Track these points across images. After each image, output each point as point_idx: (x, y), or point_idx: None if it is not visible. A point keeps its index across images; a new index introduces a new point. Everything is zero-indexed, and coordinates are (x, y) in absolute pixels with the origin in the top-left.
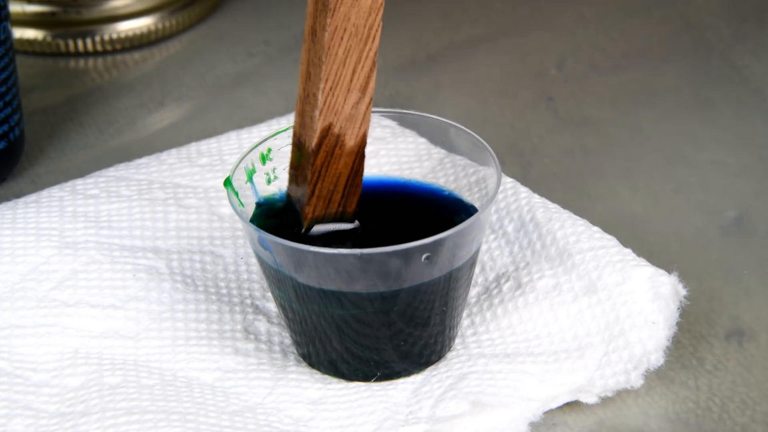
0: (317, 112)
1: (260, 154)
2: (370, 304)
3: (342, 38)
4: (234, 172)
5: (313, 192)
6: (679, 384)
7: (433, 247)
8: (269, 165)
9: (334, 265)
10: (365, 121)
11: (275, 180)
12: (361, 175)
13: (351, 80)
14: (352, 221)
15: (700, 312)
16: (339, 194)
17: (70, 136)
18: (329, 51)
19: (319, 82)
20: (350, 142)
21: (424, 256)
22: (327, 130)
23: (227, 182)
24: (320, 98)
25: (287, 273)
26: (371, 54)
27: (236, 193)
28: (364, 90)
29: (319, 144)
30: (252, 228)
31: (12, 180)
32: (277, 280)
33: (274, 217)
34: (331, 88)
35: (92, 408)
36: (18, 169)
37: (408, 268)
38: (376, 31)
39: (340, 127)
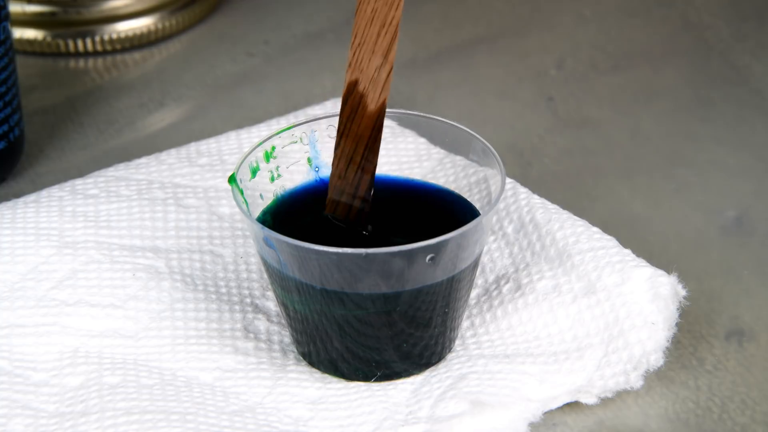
0: (347, 66)
1: (264, 151)
2: (372, 305)
3: None
4: (239, 169)
5: (338, 144)
6: (679, 384)
7: (438, 248)
8: (273, 163)
9: (339, 265)
10: (385, 88)
11: (278, 178)
12: (379, 145)
13: (375, 42)
14: (368, 201)
15: (700, 312)
16: (359, 156)
17: (70, 136)
18: (359, 8)
19: (351, 38)
20: (371, 105)
21: (428, 257)
22: (354, 86)
23: (232, 179)
24: (350, 53)
25: (290, 272)
26: (394, 22)
27: (241, 191)
28: (386, 55)
29: (346, 97)
30: (257, 226)
31: (12, 180)
32: (279, 279)
33: (279, 218)
34: (359, 45)
35: (92, 408)
36: (18, 169)
37: (412, 268)
38: (400, 0)
39: (364, 87)
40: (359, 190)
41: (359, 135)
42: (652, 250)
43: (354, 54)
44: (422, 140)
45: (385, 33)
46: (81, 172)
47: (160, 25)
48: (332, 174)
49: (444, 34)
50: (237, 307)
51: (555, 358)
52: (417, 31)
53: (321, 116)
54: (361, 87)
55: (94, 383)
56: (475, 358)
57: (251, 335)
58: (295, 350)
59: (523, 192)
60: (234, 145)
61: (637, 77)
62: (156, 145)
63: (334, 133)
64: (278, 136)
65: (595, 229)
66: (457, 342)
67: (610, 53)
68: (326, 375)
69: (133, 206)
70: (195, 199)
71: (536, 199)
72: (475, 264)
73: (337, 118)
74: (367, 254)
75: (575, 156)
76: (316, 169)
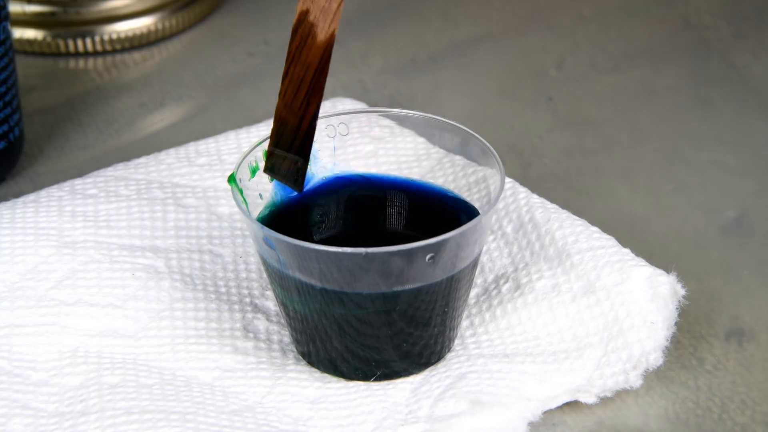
0: None
1: (263, 151)
2: (372, 304)
3: None
4: (238, 168)
5: (287, 73)
6: (679, 384)
7: (438, 248)
8: None
9: (338, 264)
10: (335, 19)
11: None
12: (326, 76)
13: None
14: (312, 128)
15: (700, 312)
16: (306, 85)
17: (70, 136)
18: None
19: None
20: (321, 35)
21: (428, 257)
22: (304, 15)
23: (231, 179)
24: None
25: (290, 271)
26: None
27: (240, 191)
28: None
29: (296, 27)
30: (257, 226)
31: (11, 180)
32: (279, 278)
33: (279, 217)
34: None
35: (91, 407)
36: (18, 169)
37: (411, 268)
38: None
39: (314, 17)
40: (304, 121)
41: (308, 64)
42: (652, 250)
43: None
44: (421, 140)
45: None
46: (80, 172)
47: (160, 25)
48: (277, 106)
49: (444, 34)
50: (236, 307)
51: (554, 358)
52: (417, 31)
53: (320, 116)
54: (311, 17)
55: (93, 383)
56: (474, 357)
57: (251, 335)
58: (295, 350)
59: (523, 192)
60: (233, 145)
61: (637, 77)
62: (156, 145)
63: (334, 133)
64: None
65: (595, 228)
66: (457, 341)
67: (610, 53)
68: (326, 374)
69: (133, 206)
70: (194, 198)
71: (535, 199)
72: (475, 263)
73: (335, 117)
74: (367, 254)
75: (575, 156)
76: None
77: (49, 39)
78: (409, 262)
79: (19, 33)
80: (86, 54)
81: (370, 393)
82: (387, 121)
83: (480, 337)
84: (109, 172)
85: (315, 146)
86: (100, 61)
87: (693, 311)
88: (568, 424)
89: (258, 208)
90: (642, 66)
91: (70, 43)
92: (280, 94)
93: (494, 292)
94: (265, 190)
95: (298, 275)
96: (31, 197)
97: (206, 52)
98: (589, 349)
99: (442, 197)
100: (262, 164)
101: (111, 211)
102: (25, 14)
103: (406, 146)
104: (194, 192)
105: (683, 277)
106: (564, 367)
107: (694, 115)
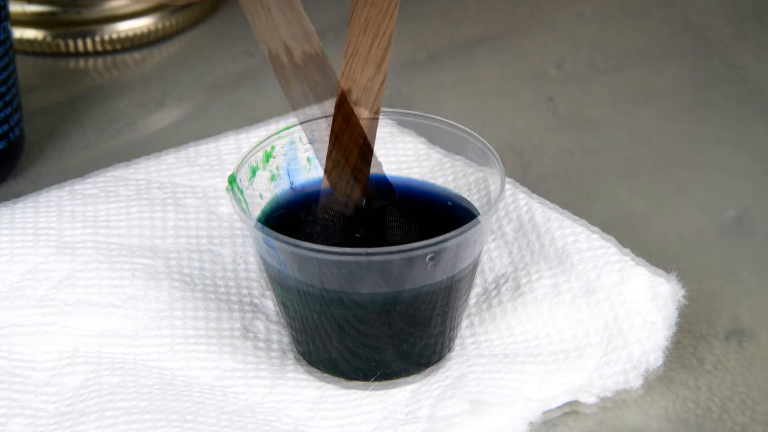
0: (339, 75)
1: (264, 151)
2: (372, 305)
3: (365, 5)
4: (239, 169)
5: (330, 154)
6: (679, 384)
7: (438, 249)
8: (272, 163)
9: (339, 265)
10: (378, 98)
11: (279, 178)
12: (371, 155)
13: (369, 52)
14: (358, 209)
15: (700, 312)
16: (350, 166)
17: (70, 136)
18: (353, 17)
19: (344, 46)
20: (364, 115)
21: (428, 257)
22: (346, 95)
23: (231, 180)
24: (342, 62)
25: (290, 272)
26: (388, 32)
27: (241, 191)
28: (379, 66)
29: (339, 106)
30: (257, 227)
31: (12, 180)
32: (279, 278)
33: (279, 218)
34: (351, 54)
35: (91, 408)
36: (18, 169)
37: (411, 268)
38: (394, 9)
39: (357, 96)
40: (351, 199)
41: (351, 145)
42: (652, 250)
43: (347, 63)
44: (422, 140)
45: (379, 43)
46: (81, 172)
47: (160, 25)
48: (323, 183)
49: (444, 34)
50: (236, 307)
51: (554, 358)
52: (417, 31)
53: (321, 116)
54: (353, 96)
55: (93, 383)
56: (474, 357)
57: (250, 335)
58: (295, 350)
59: (523, 192)
60: (232, 146)
61: (637, 77)
62: (156, 145)
63: None
64: (278, 136)
65: (595, 228)
66: (457, 342)
67: (610, 53)
68: (326, 374)
69: (132, 206)
70: (194, 198)
71: (535, 199)
72: (475, 264)
73: None
74: (368, 254)
75: (575, 156)
76: (291, 183)
77: (49, 39)
78: (410, 262)
79: (19, 33)
80: (86, 54)
81: (370, 393)
82: (387, 121)
83: (480, 337)
84: (109, 172)
85: (315, 146)
86: (100, 61)
87: (693, 311)
88: (568, 424)
89: (258, 208)
90: (642, 66)
91: (70, 43)
92: (325, 173)
93: (494, 293)
94: (265, 191)
95: (298, 276)
96: (30, 198)
97: (206, 52)
98: (589, 349)
99: (442, 198)
100: (262, 164)
101: (111, 212)
102: (25, 14)
103: (406, 147)
104: (194, 192)
105: (683, 277)
106: (564, 367)
107: (694, 115)
